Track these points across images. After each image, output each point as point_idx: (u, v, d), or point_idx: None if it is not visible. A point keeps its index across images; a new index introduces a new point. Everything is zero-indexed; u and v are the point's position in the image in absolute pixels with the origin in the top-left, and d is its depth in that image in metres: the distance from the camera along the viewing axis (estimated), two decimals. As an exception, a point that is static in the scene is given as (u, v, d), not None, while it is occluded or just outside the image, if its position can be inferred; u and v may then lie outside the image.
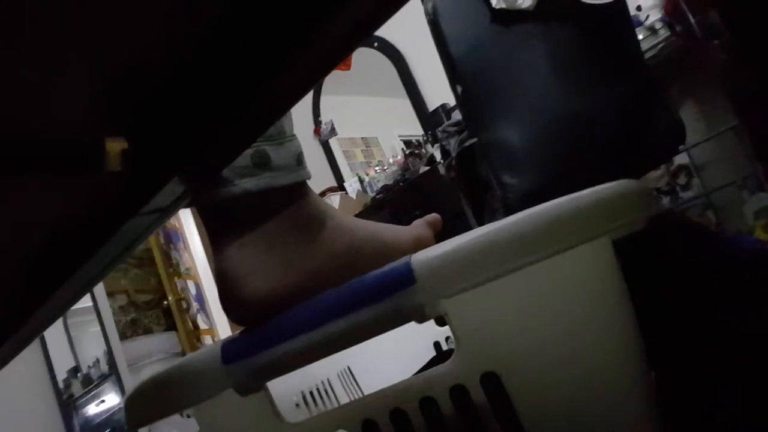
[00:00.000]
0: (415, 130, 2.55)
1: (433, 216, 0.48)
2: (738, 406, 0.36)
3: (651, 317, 0.35)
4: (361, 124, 2.96)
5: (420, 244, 0.43)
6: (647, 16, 1.69)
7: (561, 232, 0.31)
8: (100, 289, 2.52)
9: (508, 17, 1.23)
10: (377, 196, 2.50)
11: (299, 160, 0.40)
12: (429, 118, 2.43)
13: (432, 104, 2.46)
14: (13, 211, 0.31)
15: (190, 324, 2.85)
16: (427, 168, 2.29)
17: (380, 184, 2.58)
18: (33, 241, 0.35)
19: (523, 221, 0.32)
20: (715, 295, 0.44)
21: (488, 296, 0.31)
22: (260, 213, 0.39)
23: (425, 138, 2.45)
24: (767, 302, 0.43)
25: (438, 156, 2.06)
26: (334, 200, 2.54)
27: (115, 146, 0.29)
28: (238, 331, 0.39)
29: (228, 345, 0.36)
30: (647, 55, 1.59)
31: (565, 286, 0.31)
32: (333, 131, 2.84)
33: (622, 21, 1.28)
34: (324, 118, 2.85)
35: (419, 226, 0.47)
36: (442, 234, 0.45)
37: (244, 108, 0.29)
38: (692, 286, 0.45)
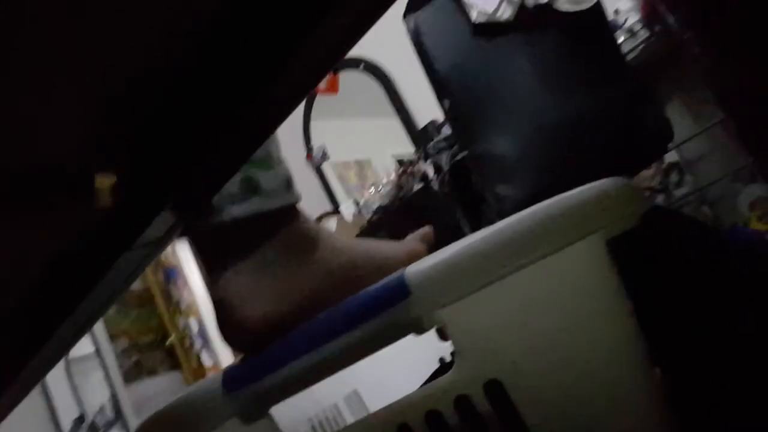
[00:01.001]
0: (406, 148, 2.57)
1: (426, 229, 0.48)
2: (736, 407, 0.36)
3: (649, 318, 0.35)
4: (352, 146, 2.98)
5: (413, 258, 0.44)
6: (625, 19, 1.71)
7: (552, 232, 0.31)
8: (101, 333, 2.51)
9: (489, 31, 1.25)
10: (374, 218, 2.51)
11: (288, 183, 0.40)
12: (419, 136, 2.45)
13: (421, 121, 2.47)
14: (7, 249, 0.31)
15: (195, 362, 2.82)
16: (421, 185, 2.30)
17: (376, 205, 2.58)
18: (30, 280, 0.35)
19: (513, 225, 0.32)
20: (712, 293, 0.44)
21: (484, 303, 0.31)
22: (253, 238, 0.39)
23: (417, 155, 2.46)
24: (765, 298, 0.43)
25: (431, 172, 2.07)
26: (331, 224, 2.54)
27: (104, 181, 0.30)
28: (239, 359, 0.38)
29: (230, 373, 0.36)
30: (629, 57, 1.61)
31: (559, 287, 0.31)
32: (325, 156, 2.85)
33: (600, 25, 1.30)
34: (315, 143, 2.87)
35: (412, 241, 0.47)
36: (440, 248, 0.45)
37: (229, 132, 0.29)
38: (688, 286, 0.45)
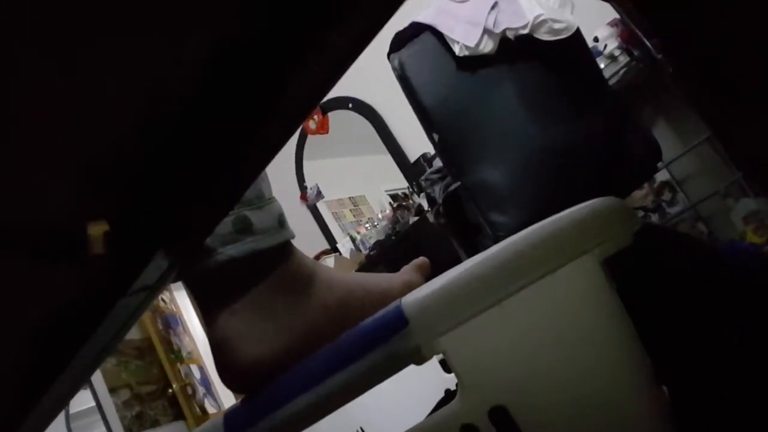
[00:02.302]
0: (399, 182, 2.58)
1: (421, 260, 0.48)
2: (735, 419, 0.35)
3: (652, 334, 0.34)
4: (346, 184, 2.99)
5: (410, 288, 0.43)
6: (605, 46, 1.75)
7: (545, 254, 0.31)
8: (101, 386, 2.46)
9: (472, 63, 1.27)
10: (371, 253, 2.50)
11: (281, 221, 0.41)
12: (412, 169, 2.47)
13: (412, 155, 2.50)
14: (4, 304, 0.31)
15: (198, 410, 2.76)
16: (416, 218, 2.31)
17: (373, 241, 2.58)
18: (27, 332, 0.35)
19: (506, 249, 0.32)
20: (711, 307, 0.44)
21: (483, 328, 0.31)
22: (248, 277, 0.39)
23: (411, 189, 2.48)
24: (764, 310, 0.42)
25: (425, 205, 2.08)
26: (329, 262, 2.53)
27: (97, 229, 0.30)
28: (239, 401, 0.38)
29: (230, 415, 0.36)
30: (611, 82, 1.64)
31: (557, 308, 0.31)
32: (319, 195, 2.86)
33: (582, 53, 1.33)
34: (309, 183, 2.89)
35: (408, 272, 0.47)
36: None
37: (218, 175, 0.30)
38: (687, 300, 0.45)
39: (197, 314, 2.94)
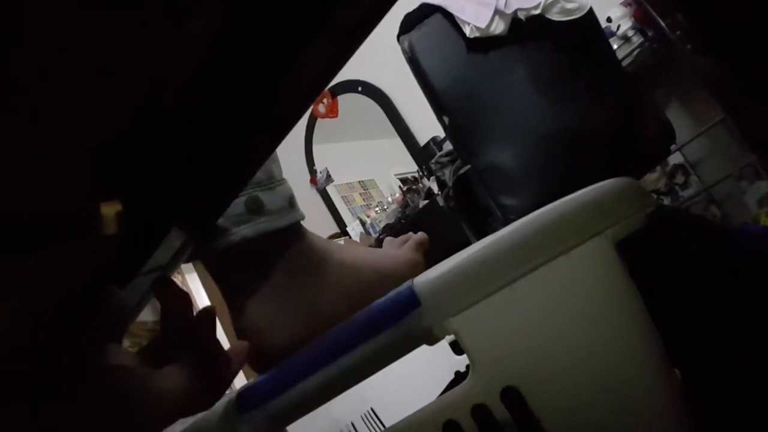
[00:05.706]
0: (409, 166, 2.58)
1: (420, 236, 0.49)
2: (746, 406, 0.35)
3: (665, 316, 0.34)
4: (356, 168, 2.99)
5: (413, 267, 0.44)
6: (618, 26, 1.73)
7: (558, 234, 0.31)
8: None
9: (484, 45, 1.26)
10: (381, 237, 2.51)
11: (291, 202, 0.41)
12: (421, 153, 2.46)
13: (422, 138, 2.49)
14: (13, 290, 0.31)
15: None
16: (426, 201, 2.31)
17: (382, 224, 2.59)
18: (36, 320, 0.35)
19: (519, 229, 0.32)
20: (724, 290, 0.43)
21: (495, 309, 0.31)
22: (263, 259, 0.39)
23: (420, 172, 2.48)
24: None
25: (435, 188, 2.08)
26: (339, 246, 2.54)
27: (110, 210, 0.30)
28: (252, 379, 0.38)
29: (245, 393, 0.36)
30: (624, 63, 1.61)
31: (569, 290, 0.31)
32: (329, 179, 2.86)
33: (594, 34, 1.31)
34: (318, 167, 2.89)
35: (408, 250, 0.47)
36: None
37: (229, 155, 0.30)
38: (700, 283, 0.44)
39: (208, 297, 2.97)
